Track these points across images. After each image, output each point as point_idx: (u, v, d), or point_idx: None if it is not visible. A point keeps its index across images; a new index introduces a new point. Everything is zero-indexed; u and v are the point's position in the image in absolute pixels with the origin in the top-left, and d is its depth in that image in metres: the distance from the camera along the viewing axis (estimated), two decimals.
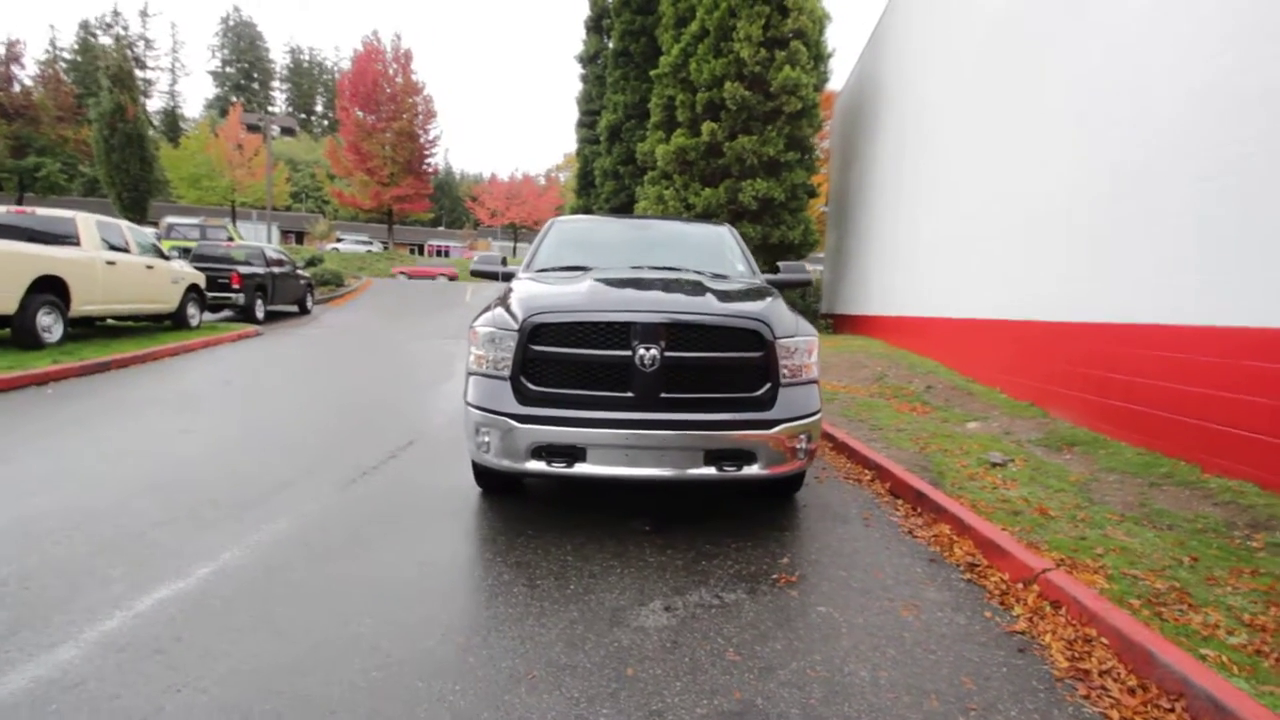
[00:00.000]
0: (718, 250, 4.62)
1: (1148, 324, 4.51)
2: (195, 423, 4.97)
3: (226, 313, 12.79)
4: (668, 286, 3.39)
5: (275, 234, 38.61)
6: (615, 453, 2.95)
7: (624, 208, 17.03)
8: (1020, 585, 2.63)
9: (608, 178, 17.15)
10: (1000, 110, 7.17)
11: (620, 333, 2.97)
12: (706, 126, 12.85)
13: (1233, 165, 3.95)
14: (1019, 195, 6.62)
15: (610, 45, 19.92)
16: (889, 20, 12.25)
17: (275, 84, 77.89)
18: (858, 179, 13.61)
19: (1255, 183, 3.80)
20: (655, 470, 2.97)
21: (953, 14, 9.01)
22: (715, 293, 3.29)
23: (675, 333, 2.97)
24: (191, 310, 10.46)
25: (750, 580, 2.73)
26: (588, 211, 21.06)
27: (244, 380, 6.98)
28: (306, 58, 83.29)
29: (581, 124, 20.67)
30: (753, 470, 3.02)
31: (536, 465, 2.97)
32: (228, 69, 72.38)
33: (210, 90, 73.44)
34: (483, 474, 3.59)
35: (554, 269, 4.24)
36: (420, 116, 39.11)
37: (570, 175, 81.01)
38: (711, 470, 2.99)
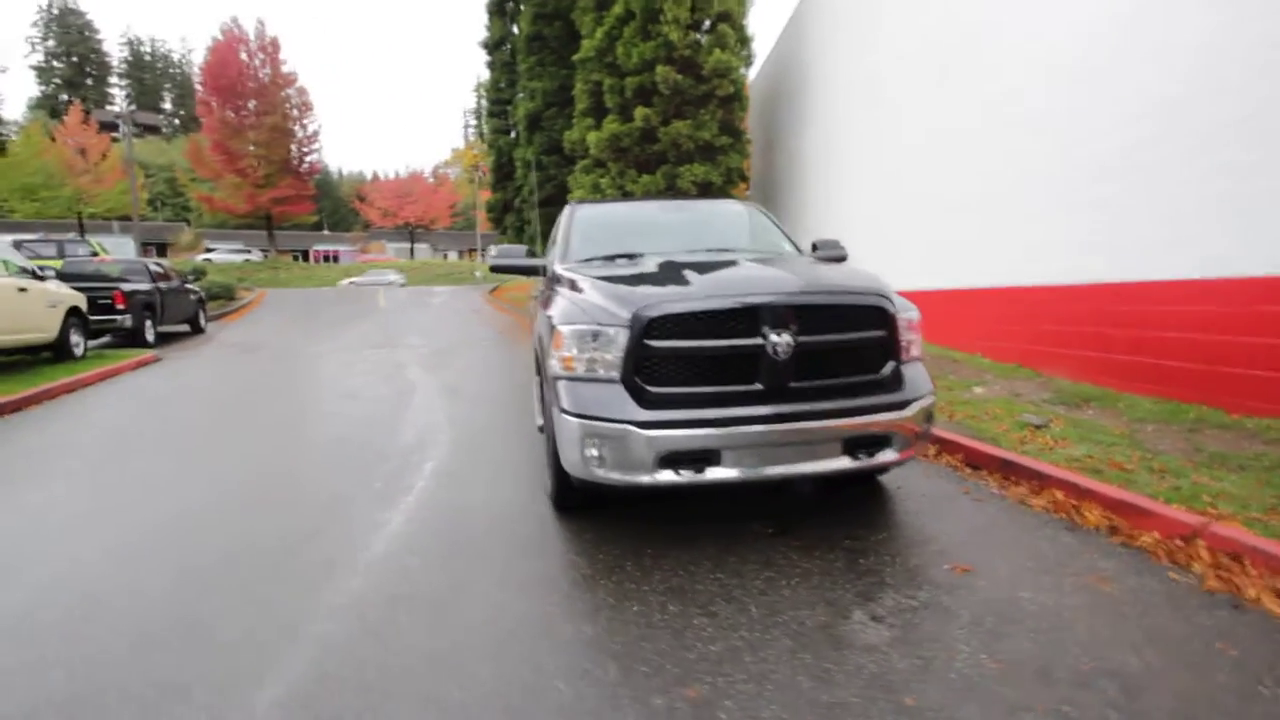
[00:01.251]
0: (758, 229, 4.41)
1: (1154, 280, 4.78)
2: (122, 494, 4.08)
3: (107, 338, 11.10)
4: (766, 267, 3.13)
5: (133, 247, 34.41)
6: (751, 452, 2.67)
7: (553, 199, 16.45)
8: (1180, 542, 2.63)
9: (531, 168, 16.47)
10: (954, 85, 7.44)
11: (748, 319, 2.68)
12: (640, 112, 12.59)
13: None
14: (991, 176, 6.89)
15: (518, 30, 19.15)
16: (808, 5, 12.50)
17: (113, 80, 68.98)
18: (786, 161, 13.85)
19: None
20: (795, 467, 2.72)
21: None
22: (818, 271, 3.07)
23: (805, 315, 2.72)
24: (75, 338, 8.92)
25: (925, 573, 2.56)
26: (507, 206, 20.23)
27: (167, 419, 5.98)
28: (148, 50, 74.44)
29: (492, 113, 19.75)
30: (887, 456, 2.84)
31: (666, 476, 2.63)
32: (54, 63, 63.13)
33: (34, 88, 63.80)
34: (566, 492, 3.18)
35: (599, 258, 3.85)
36: (295, 110, 36.06)
37: (460, 171, 78.05)
38: (847, 461, 2.78)
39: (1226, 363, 4.22)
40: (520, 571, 2.66)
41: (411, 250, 54.39)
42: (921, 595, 2.37)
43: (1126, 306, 5.02)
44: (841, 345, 2.81)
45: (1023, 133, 6.32)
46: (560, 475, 3.07)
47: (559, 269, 3.79)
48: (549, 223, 17.31)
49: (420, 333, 14.30)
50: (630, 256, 3.86)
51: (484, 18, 20.14)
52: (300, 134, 36.29)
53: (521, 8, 19.00)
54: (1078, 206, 5.58)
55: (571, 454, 2.79)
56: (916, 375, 3.01)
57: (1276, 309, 3.92)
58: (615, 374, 2.71)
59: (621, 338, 2.68)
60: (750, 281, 2.83)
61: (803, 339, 2.69)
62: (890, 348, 2.92)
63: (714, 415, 2.62)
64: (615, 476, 2.67)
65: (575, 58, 14.04)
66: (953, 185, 7.59)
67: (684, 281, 2.91)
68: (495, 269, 4.28)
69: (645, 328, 2.65)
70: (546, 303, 3.55)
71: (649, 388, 2.69)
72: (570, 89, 15.92)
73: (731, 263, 3.37)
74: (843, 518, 3.15)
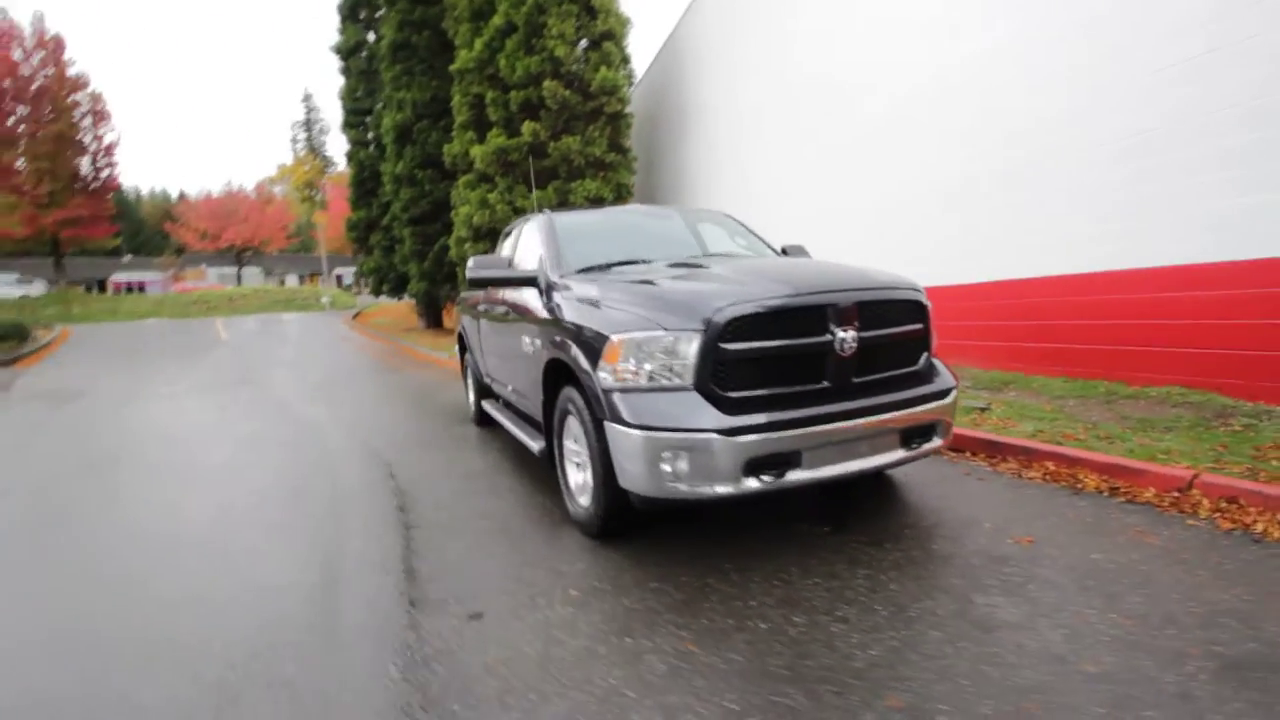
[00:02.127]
0: (736, 233, 4.45)
1: (1053, 276, 5.50)
2: None
3: None
4: (795, 266, 3.15)
5: None
6: (826, 452, 2.65)
7: (429, 215, 15.49)
8: (1177, 493, 3.00)
9: (402, 183, 15.38)
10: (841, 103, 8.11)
11: (817, 316, 2.68)
12: (528, 126, 12.31)
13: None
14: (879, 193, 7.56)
15: (375, 37, 17.95)
16: (689, 30, 13.06)
17: None
18: (671, 178, 14.28)
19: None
20: (863, 462, 2.74)
21: (771, 31, 9.96)
22: (850, 268, 3.15)
23: (866, 310, 2.77)
24: None
25: (999, 550, 2.68)
26: (372, 224, 18.80)
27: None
28: None
29: (349, 124, 18.21)
30: (933, 444, 2.97)
31: (751, 484, 2.53)
32: None
33: None
34: (618, 514, 2.94)
35: (600, 266, 3.66)
36: (87, 119, 31.05)
37: (290, 188, 71.70)
38: (902, 452, 2.86)
39: (1124, 342, 4.96)
40: (616, 617, 2.41)
41: (239, 276, 48.72)
42: (1014, 570, 2.48)
43: (1028, 299, 5.74)
44: (893, 339, 2.90)
45: (910, 150, 7.03)
46: (613, 496, 2.85)
47: (558, 280, 3.55)
48: (424, 241, 16.32)
49: (287, 365, 12.82)
50: (635, 263, 3.72)
51: (335, 22, 18.66)
52: (94, 146, 31.22)
53: (379, 14, 17.87)
54: (977, 212, 6.30)
55: (636, 469, 2.60)
56: (942, 366, 3.18)
57: (1167, 294, 4.68)
58: (686, 381, 2.57)
59: (693, 343, 2.55)
60: (812, 279, 2.83)
61: (864, 334, 2.74)
62: (925, 340, 3.07)
63: (792, 416, 2.57)
64: (697, 489, 2.52)
65: (453, 68, 13.43)
66: (848, 196, 8.25)
67: (766, 279, 2.83)
68: (475, 281, 3.92)
69: (720, 330, 2.54)
70: (551, 315, 3.33)
71: (723, 393, 2.58)
72: (444, 100, 15.21)
73: (768, 262, 3.36)
74: (879, 509, 3.24)
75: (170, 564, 3.11)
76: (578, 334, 2.99)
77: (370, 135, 17.99)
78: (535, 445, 3.75)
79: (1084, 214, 5.26)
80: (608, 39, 12.72)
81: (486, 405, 5.38)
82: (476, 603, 2.52)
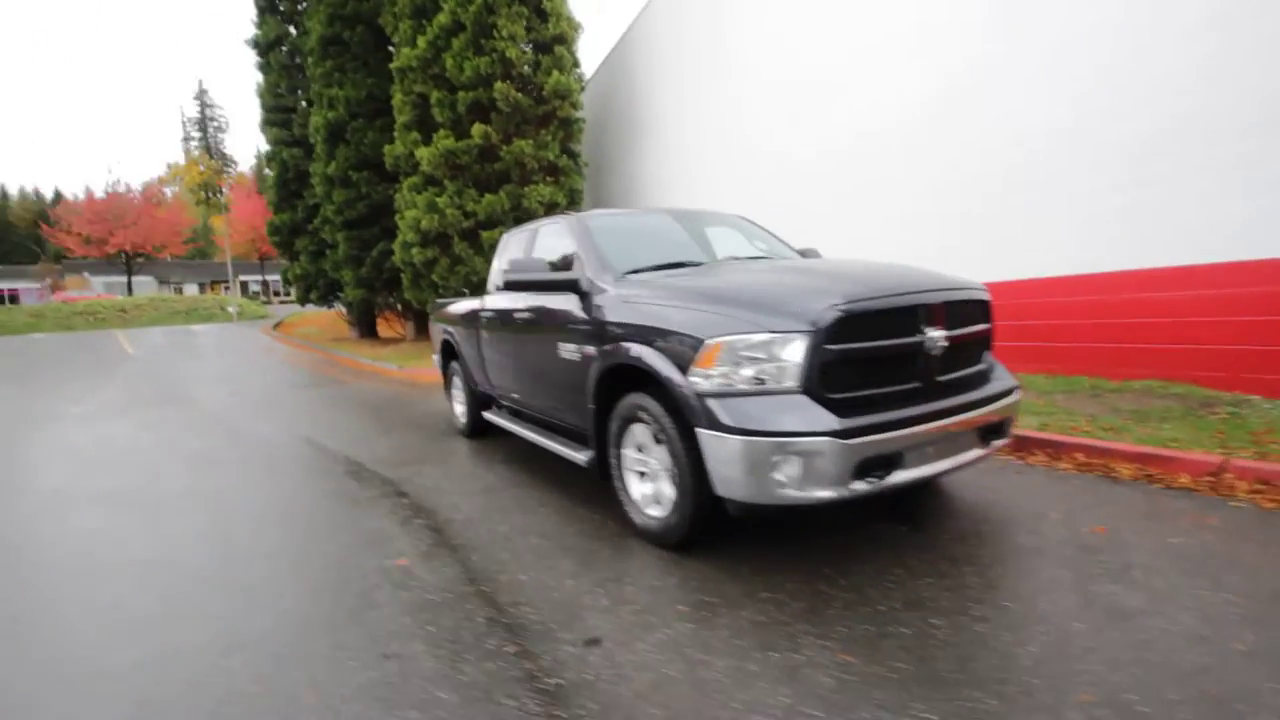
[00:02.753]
0: (760, 236, 4.44)
1: (1031, 279, 5.85)
2: None
3: None
4: (868, 266, 3.15)
5: None
6: (923, 451, 2.66)
7: (365, 219, 14.65)
8: (1211, 478, 3.23)
9: (335, 185, 14.48)
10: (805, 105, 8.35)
11: (912, 316, 2.69)
12: (478, 129, 11.92)
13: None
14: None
15: (298, 30, 16.89)
16: (640, 38, 13.09)
17: None
18: (624, 185, 14.22)
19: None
20: (951, 461, 2.77)
21: (716, 49, 10.12)
22: (914, 268, 3.18)
23: (950, 310, 2.80)
24: None
25: (1080, 540, 2.77)
26: (297, 228, 17.62)
27: None
28: None
29: (270, 122, 16.95)
30: (1003, 441, 3.05)
31: (859, 486, 2.49)
32: None
33: None
34: (703, 523, 2.82)
35: (647, 268, 3.54)
36: None
37: (183, 188, 66.76)
38: (980, 450, 2.92)
39: (1103, 340, 5.33)
40: (745, 631, 2.30)
41: (129, 285, 44.55)
42: (1109, 558, 2.57)
43: (1009, 301, 6.06)
44: (970, 339, 2.95)
45: (883, 159, 7.31)
46: (701, 506, 2.74)
47: (607, 283, 3.40)
48: (360, 246, 15.45)
49: (215, 380, 11.80)
50: (682, 265, 3.63)
51: (251, 14, 17.36)
52: None
53: (302, 6, 16.81)
54: (948, 218, 6.62)
55: (741, 476, 2.51)
56: (999, 364, 3.28)
57: (1144, 295, 5.06)
58: (793, 383, 2.51)
59: (800, 343, 2.49)
60: (897, 279, 2.83)
61: (949, 334, 2.77)
62: (989, 339, 3.15)
63: (897, 417, 2.56)
64: (808, 494, 2.46)
65: (393, 66, 12.83)
66: (810, 206, 8.47)
67: (857, 278, 2.80)
68: (511, 285, 3.70)
69: (828, 331, 2.50)
70: (603, 320, 3.20)
71: (831, 394, 2.53)
72: (381, 98, 14.51)
73: (833, 264, 3.34)
74: (943, 505, 3.29)
75: (213, 624, 2.72)
76: (655, 338, 2.86)
77: (295, 134, 16.84)
78: (580, 456, 3.57)
79: (1064, 223, 5.62)
80: (559, 43, 12.56)
81: (490, 416, 5.11)
82: (582, 627, 2.34)
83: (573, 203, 13.36)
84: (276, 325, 23.01)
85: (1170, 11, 4.80)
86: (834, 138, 8.18)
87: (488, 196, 12.22)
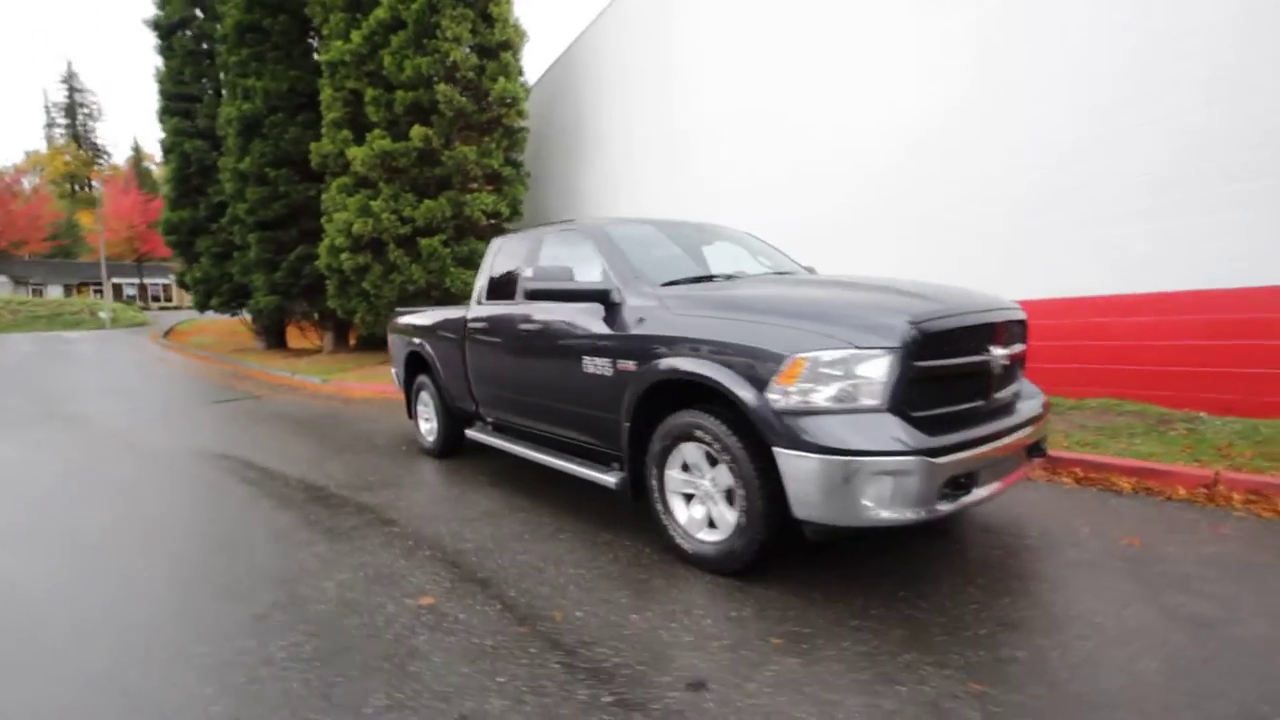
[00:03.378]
0: (768, 250, 4.40)
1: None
2: None
3: None
4: (930, 285, 3.14)
5: None
6: (992, 469, 2.67)
7: (284, 220, 13.51)
8: (1204, 490, 3.46)
9: (249, 181, 13.28)
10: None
11: (979, 335, 2.70)
12: (418, 131, 11.35)
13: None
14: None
15: (205, 14, 15.52)
16: (588, 51, 12.99)
17: None
18: (560, 197, 13.96)
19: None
20: (1010, 478, 2.79)
21: (662, 71, 10.21)
22: (953, 287, 3.23)
23: (1007, 330, 2.85)
24: None
25: (1121, 552, 2.87)
26: (198, 227, 16.04)
27: None
28: None
29: (171, 111, 15.33)
30: (1040, 458, 3.13)
31: (943, 506, 2.45)
32: None
33: None
34: (771, 547, 2.69)
35: (684, 281, 3.40)
36: None
37: (45, 180, 60.09)
38: (1028, 466, 2.97)
39: (1056, 361, 5.71)
40: (856, 663, 2.17)
41: None
42: (1164, 569, 2.67)
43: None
44: (1018, 357, 3.02)
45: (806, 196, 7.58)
46: (772, 529, 2.61)
47: (642, 294, 3.23)
48: (276, 249, 14.27)
49: (105, 393, 10.46)
50: (717, 278, 3.52)
51: None
52: None
53: None
54: (906, 238, 6.92)
55: (825, 498, 2.40)
56: (1029, 382, 3.37)
57: (1097, 320, 5.47)
58: (877, 401, 2.44)
59: (887, 360, 2.43)
60: (960, 298, 2.84)
61: (1008, 352, 2.82)
62: (1024, 358, 3.24)
63: (975, 435, 2.55)
64: (897, 515, 2.38)
65: (323, 59, 12.01)
66: (764, 227, 8.65)
67: (929, 296, 2.77)
68: (534, 294, 3.43)
69: (914, 347, 2.45)
70: (641, 334, 3.06)
71: (915, 412, 2.49)
72: (305, 93, 13.57)
73: (882, 280, 3.33)
74: (972, 520, 3.34)
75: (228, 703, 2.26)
76: (720, 352, 2.71)
77: (200, 125, 15.39)
78: (608, 478, 3.35)
79: (1017, 254, 6.01)
80: (505, 49, 12.25)
81: (475, 434, 4.74)
82: (676, 667, 2.13)
83: (515, 213, 13.01)
84: (167, 333, 20.81)
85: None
86: (772, 170, 8.44)
87: (427, 202, 11.64)
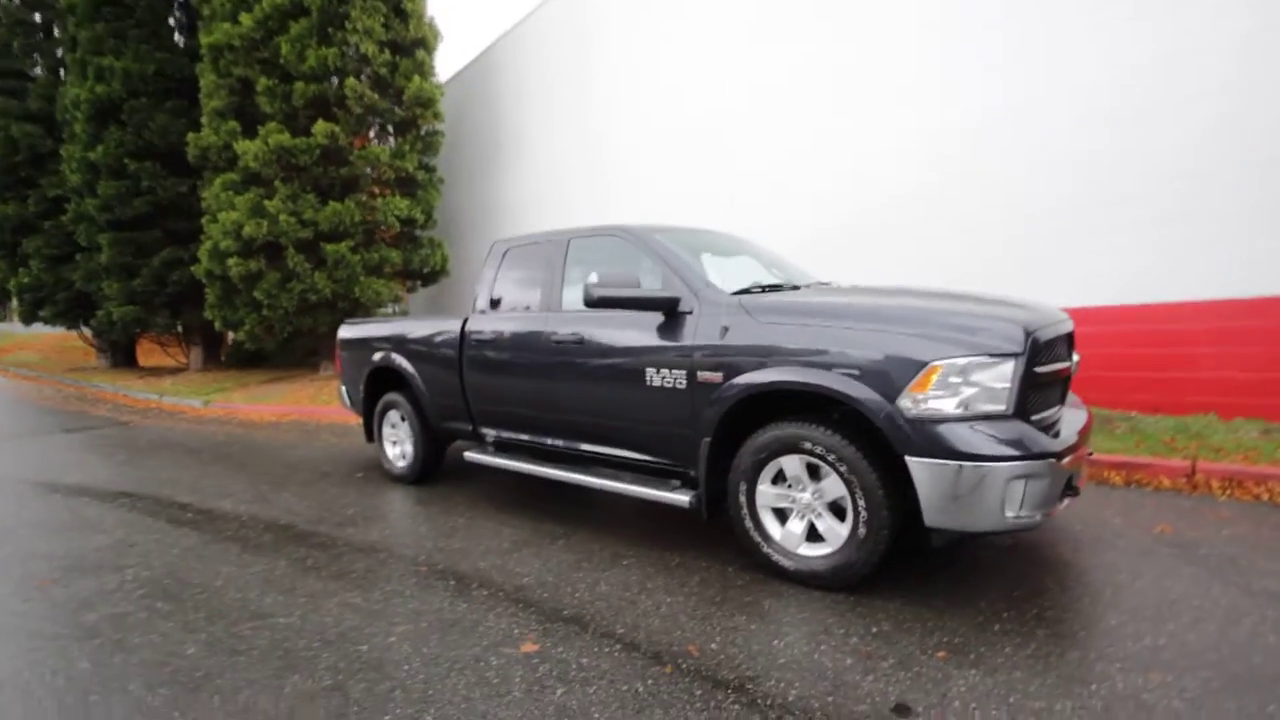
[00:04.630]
0: (785, 263, 4.43)
1: None
2: None
3: None
4: (986, 294, 3.26)
5: None
6: (1075, 474, 2.81)
7: (146, 219, 11.63)
8: (1185, 479, 3.92)
9: (103, 174, 11.32)
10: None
11: (1064, 344, 2.86)
12: (323, 127, 10.36)
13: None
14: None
15: None
16: (508, 55, 12.57)
17: None
18: (477, 204, 13.36)
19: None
20: (1084, 479, 2.97)
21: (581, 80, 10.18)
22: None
23: (1071, 340, 3.03)
24: None
25: (1167, 539, 3.15)
26: (23, 226, 13.47)
27: None
28: None
29: None
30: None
31: (1059, 506, 2.56)
32: None
33: None
34: (886, 555, 2.64)
35: (752, 290, 3.32)
36: None
37: None
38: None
39: None
40: (1048, 675, 2.17)
41: None
42: (1209, 551, 2.96)
43: None
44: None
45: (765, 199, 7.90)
46: (891, 539, 2.59)
47: (719, 302, 3.10)
48: (136, 252, 12.30)
49: None
50: (784, 287, 3.48)
51: None
52: None
53: None
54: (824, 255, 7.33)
55: (966, 504, 2.39)
56: None
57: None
58: (1004, 407, 2.49)
59: (1013, 365, 2.49)
60: (1046, 308, 2.98)
61: (1074, 360, 3.01)
62: None
63: (1073, 438, 2.68)
64: (1030, 517, 2.44)
65: (205, 42, 10.61)
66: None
67: (1016, 305, 2.85)
68: (602, 301, 3.16)
69: (1035, 353, 2.54)
70: (709, 343, 3.01)
71: (1028, 417, 2.57)
72: (175, 76, 11.93)
73: (936, 288, 3.40)
74: None
75: None
76: (841, 361, 2.63)
77: (32, 106, 12.98)
78: (680, 497, 3.15)
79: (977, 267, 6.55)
80: (420, 47, 11.57)
81: (476, 456, 4.30)
82: (862, 694, 2.02)
83: (430, 220, 12.25)
84: None
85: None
86: (695, 190, 8.67)
87: (332, 204, 10.64)
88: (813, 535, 2.84)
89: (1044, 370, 2.61)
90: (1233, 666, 2.08)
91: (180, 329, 13.12)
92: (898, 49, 6.82)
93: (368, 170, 10.92)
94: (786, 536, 2.88)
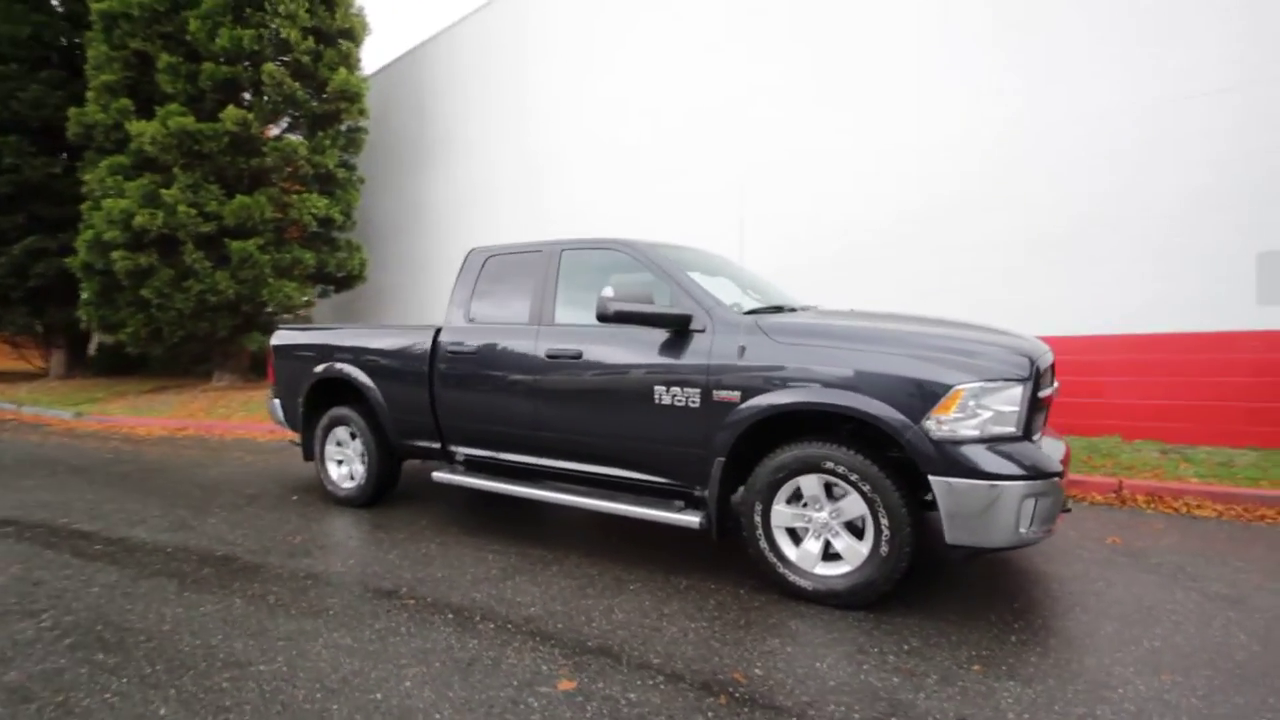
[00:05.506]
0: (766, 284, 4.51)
1: None
2: None
3: None
4: (979, 323, 3.45)
5: None
6: None
7: (10, 201, 10.03)
8: (1114, 494, 4.34)
9: None
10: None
11: (1050, 371, 3.08)
12: (233, 112, 9.51)
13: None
14: None
15: None
16: (440, 55, 12.09)
17: None
18: (404, 206, 12.63)
19: None
20: None
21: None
22: None
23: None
24: None
25: (1105, 547, 3.46)
26: None
27: None
28: None
29: None
30: None
31: (1055, 525, 2.75)
32: None
33: None
34: (902, 578, 2.72)
35: (762, 310, 3.38)
36: None
37: None
38: None
39: None
40: (1097, 675, 2.29)
41: None
42: (1157, 560, 3.28)
43: None
44: None
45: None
46: (911, 558, 2.67)
47: (732, 322, 3.10)
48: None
49: None
50: (785, 309, 3.53)
51: None
52: None
53: None
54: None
55: (987, 522, 2.50)
56: None
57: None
58: (1014, 429, 2.65)
59: (1019, 390, 2.65)
60: (1028, 338, 3.19)
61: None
62: None
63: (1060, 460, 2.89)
64: (1038, 533, 2.61)
65: (97, 8, 9.44)
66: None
67: (994, 335, 3.02)
68: (619, 316, 3.05)
69: (1038, 379, 2.73)
70: (728, 363, 3.00)
71: (1032, 439, 2.75)
72: (54, 45, 10.55)
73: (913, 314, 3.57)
74: None
75: None
76: (864, 384, 2.69)
77: None
78: (688, 518, 3.09)
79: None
80: (347, 37, 10.97)
81: (445, 476, 4.02)
82: (921, 713, 2.04)
83: (349, 220, 11.53)
84: None
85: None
86: (631, 207, 8.80)
87: (240, 197, 9.79)
88: (826, 555, 2.87)
89: (1042, 395, 2.81)
90: (1223, 665, 2.30)
91: (41, 329, 11.44)
92: (857, 69, 7.16)
93: (282, 163, 10.11)
94: (803, 556, 2.89)
